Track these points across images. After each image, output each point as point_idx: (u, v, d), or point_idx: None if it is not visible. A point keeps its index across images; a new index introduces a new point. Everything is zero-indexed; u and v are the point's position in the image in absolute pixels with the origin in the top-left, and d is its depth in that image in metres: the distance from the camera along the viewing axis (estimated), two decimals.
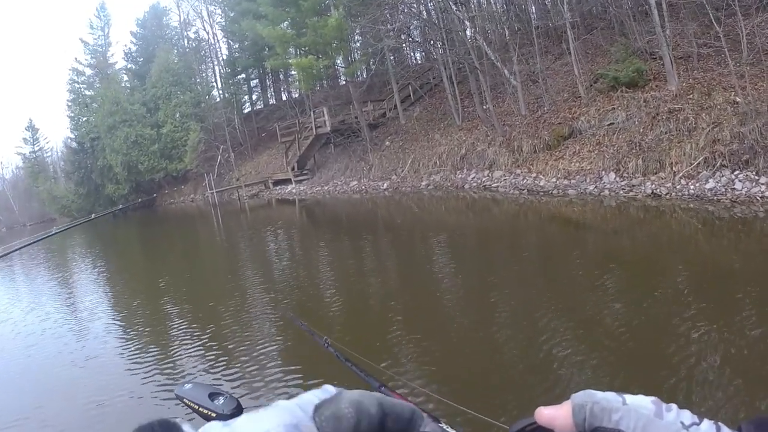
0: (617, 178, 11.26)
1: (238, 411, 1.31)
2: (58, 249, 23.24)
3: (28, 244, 6.55)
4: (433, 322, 5.99)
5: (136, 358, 6.32)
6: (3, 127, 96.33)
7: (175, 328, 7.42)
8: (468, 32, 17.72)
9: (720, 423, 0.48)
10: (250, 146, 32.66)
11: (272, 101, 38.57)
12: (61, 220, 40.62)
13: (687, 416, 0.49)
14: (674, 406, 0.50)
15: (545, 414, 0.54)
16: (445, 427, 1.04)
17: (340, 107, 24.90)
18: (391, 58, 23.25)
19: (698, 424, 0.48)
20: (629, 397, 0.51)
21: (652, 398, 0.51)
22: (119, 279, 13.08)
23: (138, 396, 5.16)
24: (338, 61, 26.03)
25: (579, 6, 18.46)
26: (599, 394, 0.52)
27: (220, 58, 38.05)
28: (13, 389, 6.05)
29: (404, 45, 26.71)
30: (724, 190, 9.18)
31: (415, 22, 22.56)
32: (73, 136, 39.12)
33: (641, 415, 0.49)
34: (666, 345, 4.43)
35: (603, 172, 11.69)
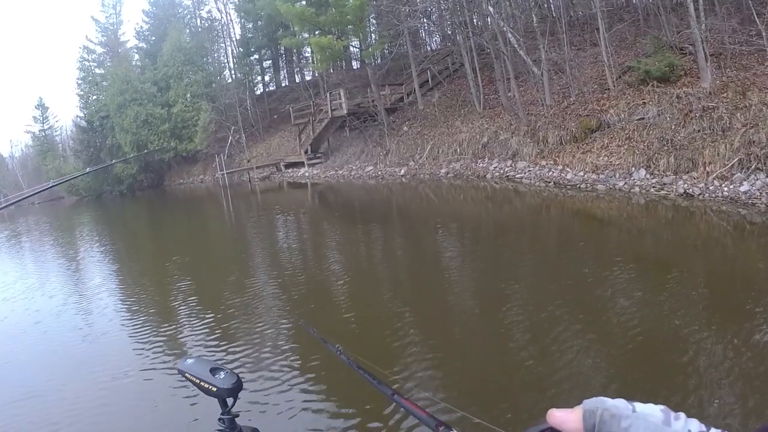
0: (647, 175, 11.25)
1: (237, 386, 1.37)
2: (67, 227, 23.35)
3: (29, 196, 6.74)
4: (441, 319, 6.02)
5: (143, 334, 6.60)
6: (13, 105, 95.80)
7: (181, 307, 7.68)
8: (493, 17, 17.53)
9: None
10: (261, 128, 32.48)
11: (285, 83, 38.27)
12: (69, 198, 40.63)
13: (695, 425, 0.51)
14: (683, 414, 0.53)
15: (557, 416, 0.58)
16: None
17: (357, 90, 24.72)
18: (410, 41, 23.04)
19: None
20: (639, 405, 0.54)
21: (661, 406, 0.54)
22: (127, 259, 13.22)
23: (145, 370, 5.43)
24: (355, 43, 25.77)
25: None
26: (610, 401, 0.55)
27: (233, 38, 37.75)
28: (27, 363, 6.25)
29: (424, 28, 26.46)
30: (758, 193, 9.10)
31: (440, 2, 22.24)
32: (82, 114, 38.92)
33: (649, 423, 0.52)
34: (681, 351, 4.50)
35: (633, 168, 11.66)
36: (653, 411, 0.53)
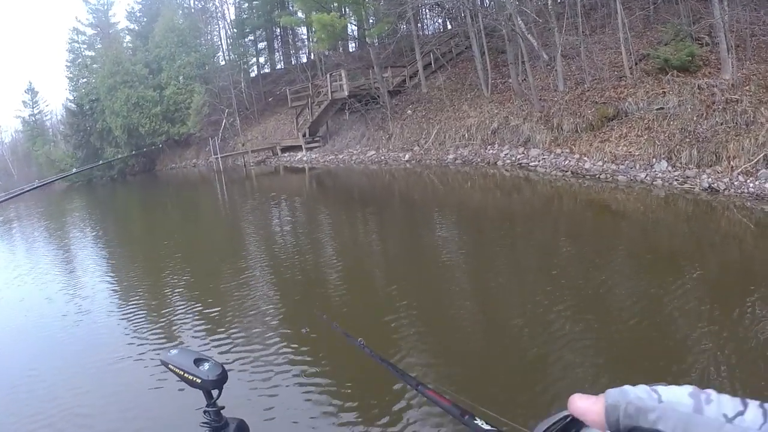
0: (669, 167, 11.18)
1: (222, 377, 1.36)
2: (58, 213, 23.02)
3: (30, 189, 6.79)
4: (440, 312, 6.01)
5: (134, 323, 6.75)
6: (2, 90, 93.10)
7: (171, 295, 7.79)
8: None
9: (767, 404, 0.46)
10: (256, 111, 31.76)
11: (279, 65, 37.55)
12: (59, 184, 39.89)
13: (728, 405, 0.46)
14: (712, 393, 0.48)
15: (579, 405, 0.54)
16: (480, 423, 1.05)
17: (356, 72, 24.26)
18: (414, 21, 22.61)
19: (743, 413, 0.45)
20: (664, 392, 0.49)
21: (689, 389, 0.49)
22: (118, 246, 13.25)
23: (134, 360, 5.56)
24: (356, 22, 25.28)
25: None
26: (632, 393, 0.50)
27: (228, 19, 36.74)
28: (16, 350, 6.40)
29: (428, 7, 25.94)
30: None
31: None
32: (72, 97, 38.00)
33: (680, 413, 0.47)
34: (690, 346, 4.59)
35: (653, 159, 11.59)
36: (681, 398, 0.48)
